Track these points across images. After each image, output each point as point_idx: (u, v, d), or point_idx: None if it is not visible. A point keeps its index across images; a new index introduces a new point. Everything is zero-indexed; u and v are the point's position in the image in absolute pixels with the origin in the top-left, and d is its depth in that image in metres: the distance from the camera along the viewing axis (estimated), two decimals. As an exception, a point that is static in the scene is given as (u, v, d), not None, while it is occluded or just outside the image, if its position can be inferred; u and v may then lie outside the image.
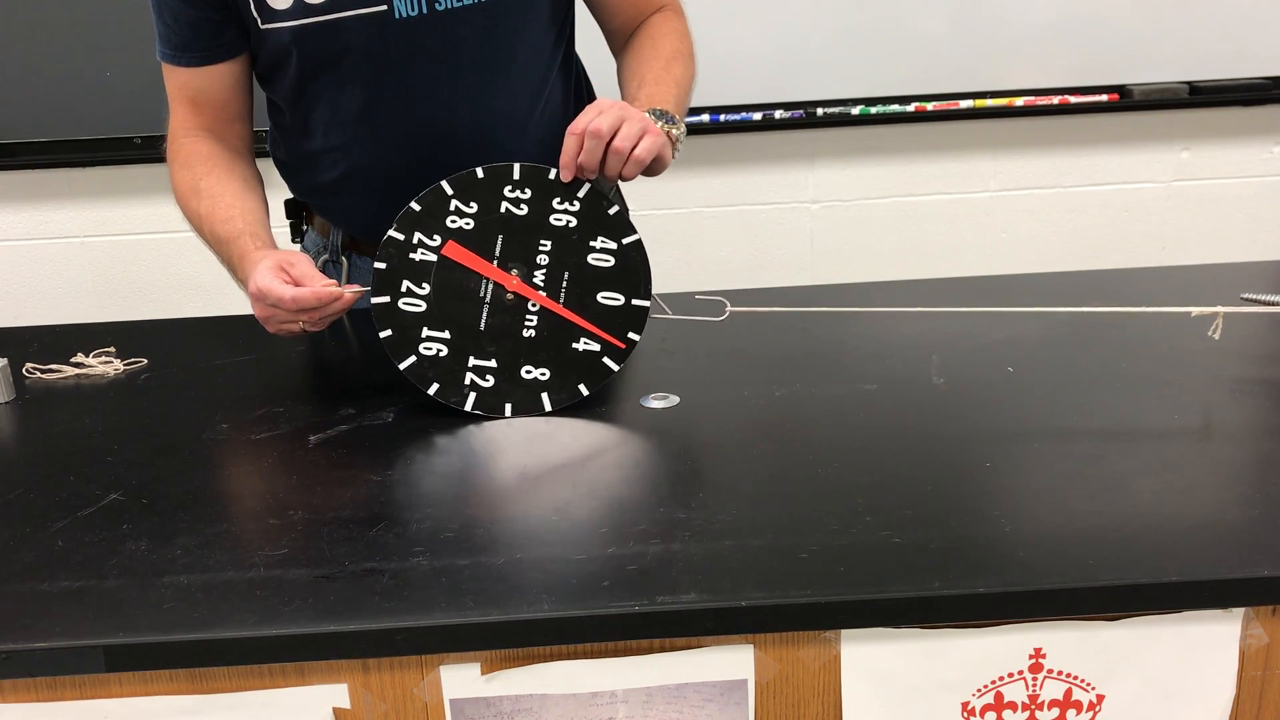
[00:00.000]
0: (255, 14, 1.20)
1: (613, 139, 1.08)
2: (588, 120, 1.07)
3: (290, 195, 1.44)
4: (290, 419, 1.11)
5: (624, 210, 1.24)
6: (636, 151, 1.09)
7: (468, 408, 1.08)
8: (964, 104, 2.33)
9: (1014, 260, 2.47)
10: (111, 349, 1.31)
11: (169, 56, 1.26)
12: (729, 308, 1.16)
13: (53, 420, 1.14)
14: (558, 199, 1.11)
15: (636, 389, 1.14)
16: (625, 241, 1.11)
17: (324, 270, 1.41)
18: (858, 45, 2.28)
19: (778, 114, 2.31)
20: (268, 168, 1.36)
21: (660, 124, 1.13)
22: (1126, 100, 2.33)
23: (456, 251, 1.09)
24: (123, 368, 1.27)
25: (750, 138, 2.35)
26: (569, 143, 1.09)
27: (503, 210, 1.10)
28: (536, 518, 0.90)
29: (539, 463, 1.02)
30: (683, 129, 1.18)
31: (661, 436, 1.06)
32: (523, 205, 1.10)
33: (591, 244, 1.11)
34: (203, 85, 1.27)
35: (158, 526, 0.91)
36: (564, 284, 1.10)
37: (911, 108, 2.32)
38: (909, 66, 2.30)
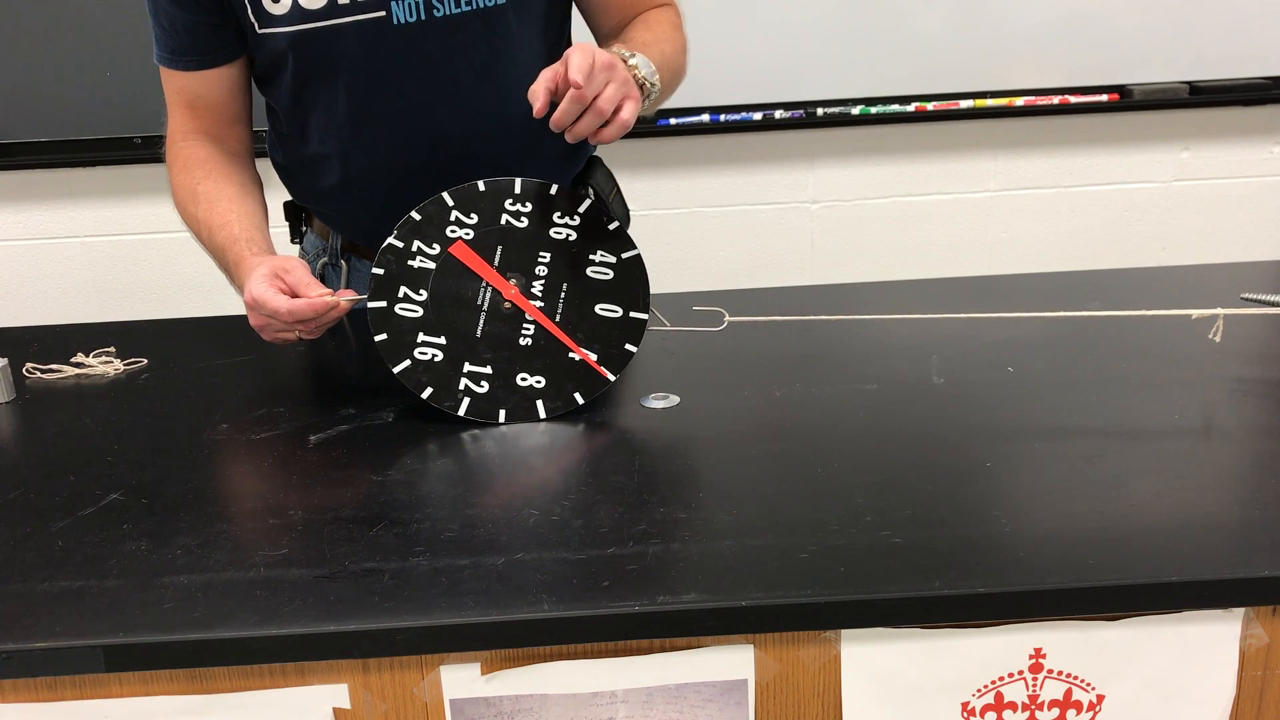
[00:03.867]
0: (252, 18, 1.19)
1: (595, 99, 1.03)
2: (570, 71, 1.01)
3: (289, 198, 1.44)
4: (290, 419, 1.11)
5: (624, 225, 1.24)
6: (621, 114, 1.05)
7: (461, 413, 1.08)
8: (964, 104, 2.33)
9: (1014, 260, 2.47)
10: (111, 349, 1.31)
11: (166, 60, 1.26)
12: (727, 318, 1.16)
13: (53, 420, 1.14)
14: (558, 213, 1.11)
15: (636, 389, 1.14)
16: (624, 256, 1.11)
17: (323, 273, 1.41)
18: (858, 45, 2.28)
19: (778, 114, 2.31)
20: (267, 169, 1.36)
21: (634, 70, 1.09)
22: (1126, 100, 2.32)
23: (462, 251, 1.09)
24: (123, 368, 1.27)
25: (750, 138, 2.35)
26: (543, 81, 1.02)
27: (503, 222, 1.10)
28: (536, 518, 0.90)
29: (539, 462, 1.03)
30: (656, 81, 1.13)
31: (661, 436, 1.06)
32: (523, 218, 1.11)
33: (591, 257, 1.11)
34: (200, 89, 1.27)
35: (158, 526, 0.92)
36: (562, 294, 1.10)
37: (911, 108, 2.32)
38: (909, 66, 2.30)
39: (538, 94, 1.02)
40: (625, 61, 1.10)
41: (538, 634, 0.79)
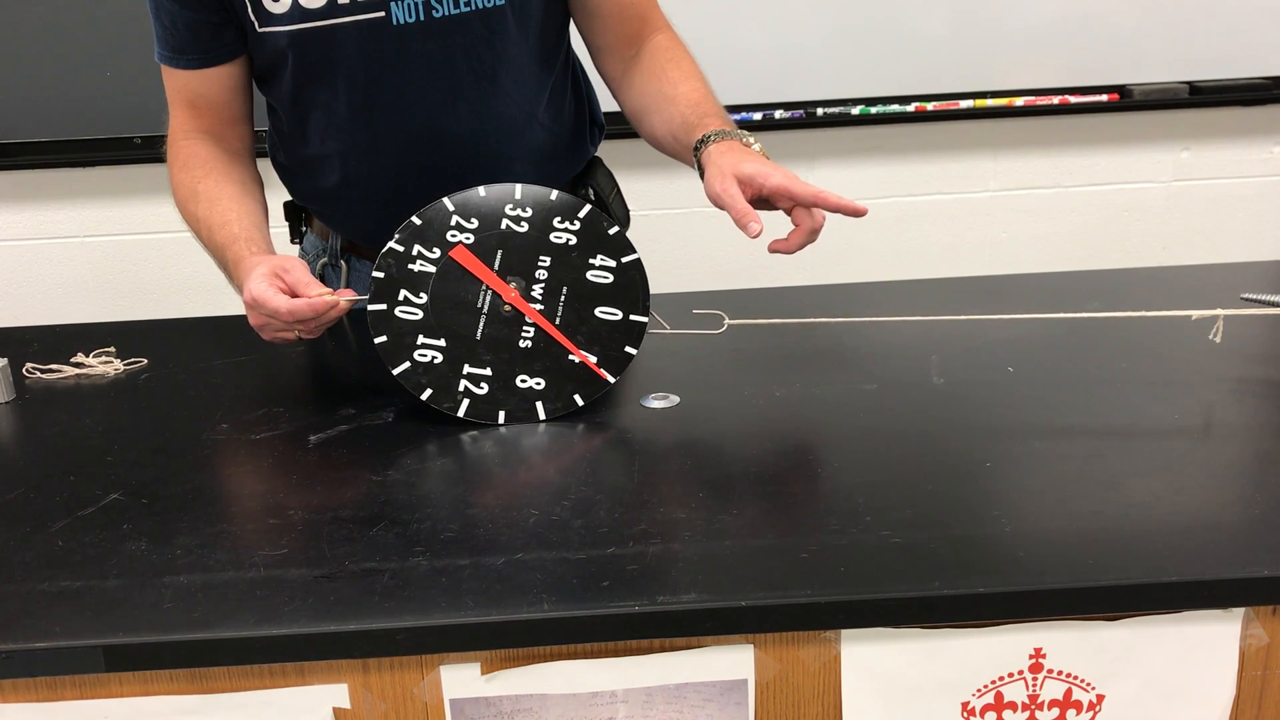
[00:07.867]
0: (252, 17, 1.19)
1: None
2: (819, 202, 1.10)
3: (290, 198, 1.44)
4: (290, 419, 1.11)
5: (624, 225, 1.23)
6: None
7: (460, 414, 1.08)
8: (964, 104, 2.33)
9: (1014, 260, 2.47)
10: (111, 349, 1.31)
11: (167, 59, 1.26)
12: (727, 321, 1.16)
13: (53, 420, 1.14)
14: (558, 218, 1.11)
15: (636, 389, 1.14)
16: (624, 260, 1.11)
17: (323, 274, 1.41)
18: (858, 45, 2.28)
19: (778, 114, 2.31)
20: (268, 169, 1.36)
21: (756, 147, 1.16)
22: (1126, 100, 2.32)
23: (463, 255, 1.09)
24: (123, 368, 1.27)
25: (750, 138, 2.35)
26: (746, 206, 1.13)
27: (503, 227, 1.11)
28: (536, 518, 0.90)
29: (539, 462, 1.03)
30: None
31: (661, 436, 1.06)
32: (523, 223, 1.11)
33: (591, 261, 1.11)
34: (201, 88, 1.27)
35: (158, 526, 0.92)
36: (562, 298, 1.10)
37: (911, 108, 2.32)
38: (909, 66, 2.29)
39: (750, 220, 1.13)
40: (751, 146, 1.16)
41: (538, 634, 0.79)
